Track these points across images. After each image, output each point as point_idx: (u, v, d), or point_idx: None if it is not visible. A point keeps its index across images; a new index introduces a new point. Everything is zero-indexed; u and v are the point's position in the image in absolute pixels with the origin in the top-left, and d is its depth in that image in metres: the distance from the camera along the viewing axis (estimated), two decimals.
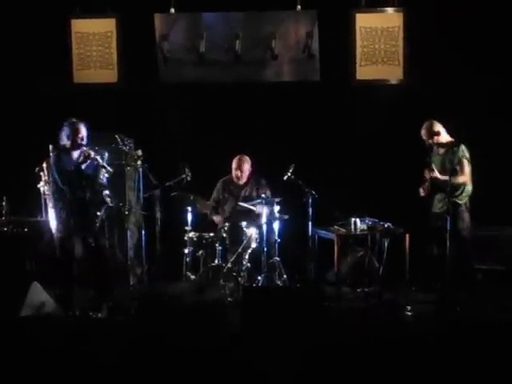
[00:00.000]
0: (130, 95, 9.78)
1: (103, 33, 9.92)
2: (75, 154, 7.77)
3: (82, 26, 9.92)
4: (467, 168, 7.96)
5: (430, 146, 8.12)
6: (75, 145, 7.72)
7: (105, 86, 9.92)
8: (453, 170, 7.83)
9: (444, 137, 8.06)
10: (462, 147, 7.98)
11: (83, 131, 7.74)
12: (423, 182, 8.18)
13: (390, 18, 9.74)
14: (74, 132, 7.71)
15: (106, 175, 7.78)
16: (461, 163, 7.93)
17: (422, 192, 8.18)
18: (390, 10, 9.75)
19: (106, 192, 7.84)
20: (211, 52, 9.75)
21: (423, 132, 8.11)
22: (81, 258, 7.96)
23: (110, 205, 7.93)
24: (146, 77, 9.78)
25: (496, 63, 9.35)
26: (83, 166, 7.67)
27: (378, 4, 9.75)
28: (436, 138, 8.04)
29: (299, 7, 9.59)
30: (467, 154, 7.97)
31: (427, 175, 8.03)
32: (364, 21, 9.74)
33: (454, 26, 9.36)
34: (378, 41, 9.74)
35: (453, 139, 8.05)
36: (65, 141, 7.77)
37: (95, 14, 9.91)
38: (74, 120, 7.79)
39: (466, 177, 7.94)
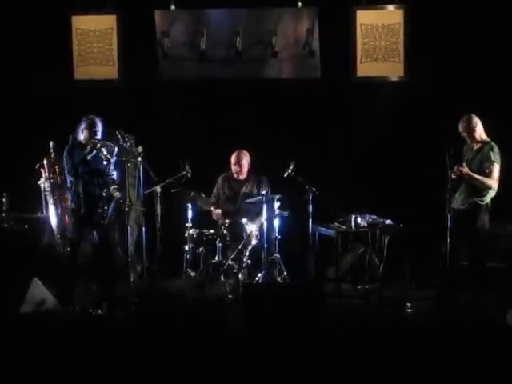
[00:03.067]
0: (130, 92, 9.78)
1: (104, 29, 9.92)
2: (88, 147, 7.80)
3: (82, 23, 9.93)
4: (497, 173, 7.85)
5: (465, 140, 8.01)
6: (89, 138, 7.76)
7: (105, 83, 9.92)
8: (484, 170, 7.78)
9: (480, 133, 7.95)
10: (496, 150, 7.88)
11: (98, 126, 7.80)
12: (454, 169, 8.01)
13: (391, 15, 9.74)
14: (89, 126, 7.77)
15: (114, 170, 7.80)
16: (492, 167, 7.83)
17: (453, 174, 8.01)
18: (390, 6, 9.75)
19: (115, 187, 7.84)
20: (212, 49, 9.76)
21: (460, 126, 7.95)
22: (86, 253, 7.99)
23: (119, 197, 7.94)
24: (146, 73, 9.78)
25: (498, 59, 9.33)
26: (89, 157, 7.70)
27: (378, 1, 9.76)
28: (472, 133, 7.93)
29: (300, 4, 9.61)
30: (499, 158, 7.89)
31: (457, 171, 7.84)
32: (364, 18, 9.74)
33: (455, 22, 9.36)
34: (379, 38, 9.74)
35: (487, 138, 7.95)
36: (80, 135, 7.83)
37: (96, 11, 9.91)
38: (91, 116, 7.84)
39: (493, 181, 7.82)
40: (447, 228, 7.72)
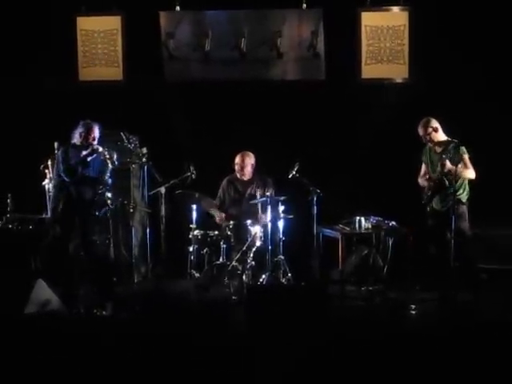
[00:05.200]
0: (135, 93, 9.78)
1: (109, 30, 9.94)
2: (84, 152, 7.82)
3: (87, 24, 9.95)
4: (469, 163, 7.91)
5: (426, 143, 8.10)
6: (86, 144, 7.79)
7: (110, 84, 9.94)
8: (458, 164, 7.80)
9: (441, 134, 8.03)
10: (461, 145, 7.90)
11: (96, 132, 7.84)
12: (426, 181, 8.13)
13: (396, 17, 9.74)
14: (87, 131, 7.82)
15: (110, 177, 7.81)
16: (464, 160, 7.87)
17: (422, 182, 8.13)
18: (395, 8, 9.75)
19: (108, 194, 7.88)
20: (216, 50, 9.77)
21: (420, 129, 8.08)
22: (80, 255, 8.01)
23: (111, 207, 7.98)
24: (151, 74, 9.78)
25: (502, 62, 9.33)
26: (89, 158, 7.72)
27: (383, 2, 9.75)
28: (433, 134, 8.00)
29: (305, 6, 9.61)
30: (466, 151, 7.91)
31: (441, 170, 7.91)
32: (369, 19, 9.74)
33: (460, 24, 9.34)
34: (384, 39, 9.74)
35: (450, 138, 7.99)
36: (76, 138, 7.86)
37: (101, 12, 9.93)
38: (89, 121, 7.88)
39: (472, 170, 7.89)
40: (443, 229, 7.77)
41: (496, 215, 8.61)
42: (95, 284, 7.98)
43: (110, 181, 7.88)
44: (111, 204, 7.98)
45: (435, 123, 8.02)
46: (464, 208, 7.95)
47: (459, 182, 7.90)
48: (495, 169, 8.39)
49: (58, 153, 7.96)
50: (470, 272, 7.99)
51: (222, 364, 5.70)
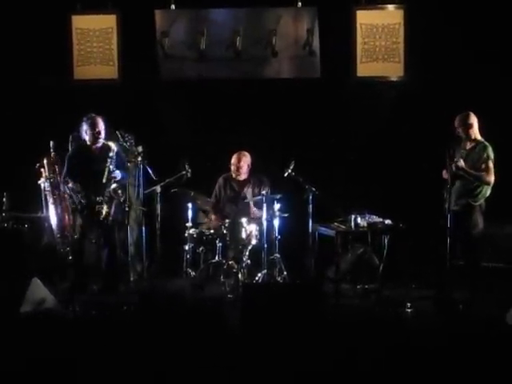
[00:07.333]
0: (130, 91, 9.78)
1: (104, 29, 9.93)
2: (94, 148, 7.85)
3: (82, 22, 9.94)
4: (492, 169, 7.85)
5: (459, 137, 8.00)
6: (93, 139, 7.82)
7: (105, 83, 9.94)
8: (480, 167, 7.75)
9: (475, 132, 7.96)
10: (490, 148, 7.88)
11: (100, 125, 7.86)
12: (447, 167, 8.00)
13: (391, 15, 9.75)
14: (91, 126, 7.84)
15: (117, 172, 7.86)
16: (486, 163, 7.82)
17: (445, 174, 8.00)
18: (390, 6, 9.76)
19: (115, 186, 7.88)
20: (212, 49, 9.77)
21: (457, 121, 7.94)
22: (90, 255, 8.02)
23: (121, 199, 7.96)
24: (146, 73, 9.77)
25: (497, 60, 9.33)
26: (95, 160, 7.78)
27: (378, 1, 9.76)
28: (468, 130, 7.93)
29: (300, 4, 9.62)
30: (492, 156, 7.88)
31: (453, 166, 7.83)
32: (364, 18, 9.75)
33: (455, 22, 9.35)
34: (379, 38, 9.75)
35: (481, 138, 7.95)
36: (84, 136, 7.89)
37: (96, 10, 9.93)
38: (92, 115, 7.89)
39: (491, 176, 7.82)
40: (445, 228, 7.71)
41: (502, 214, 8.59)
42: (100, 284, 7.99)
43: (119, 176, 7.91)
44: (121, 194, 7.97)
45: (472, 120, 7.88)
46: (475, 211, 7.86)
47: (474, 184, 7.86)
48: (498, 167, 8.34)
49: (68, 153, 8.01)
50: (472, 272, 7.93)
51: (217, 362, 5.71)
